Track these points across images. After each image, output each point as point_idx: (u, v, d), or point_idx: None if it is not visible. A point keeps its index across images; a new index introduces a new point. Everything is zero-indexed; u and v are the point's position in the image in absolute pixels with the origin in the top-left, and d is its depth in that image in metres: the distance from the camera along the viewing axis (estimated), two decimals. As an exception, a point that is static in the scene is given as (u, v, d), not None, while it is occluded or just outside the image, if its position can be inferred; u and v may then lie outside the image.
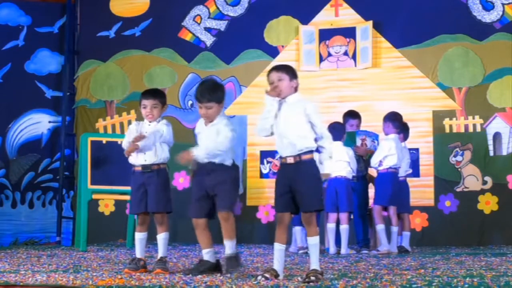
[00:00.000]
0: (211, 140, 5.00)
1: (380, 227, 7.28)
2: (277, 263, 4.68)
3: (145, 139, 5.26)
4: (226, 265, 4.83)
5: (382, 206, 7.39)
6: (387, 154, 7.31)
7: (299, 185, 4.61)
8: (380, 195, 7.40)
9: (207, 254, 5.03)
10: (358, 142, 7.66)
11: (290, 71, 4.75)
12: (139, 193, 5.31)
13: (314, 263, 4.62)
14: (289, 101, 4.72)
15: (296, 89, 4.76)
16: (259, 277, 4.53)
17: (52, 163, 9.86)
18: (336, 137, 7.38)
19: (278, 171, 4.85)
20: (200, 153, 4.98)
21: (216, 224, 5.06)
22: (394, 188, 7.36)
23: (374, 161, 7.41)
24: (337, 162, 7.34)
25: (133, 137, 5.29)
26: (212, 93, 5.01)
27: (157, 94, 5.51)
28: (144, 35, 9.85)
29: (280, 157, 4.76)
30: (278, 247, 4.68)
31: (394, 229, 7.37)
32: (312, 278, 4.47)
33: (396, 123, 7.48)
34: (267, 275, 4.57)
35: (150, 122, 5.42)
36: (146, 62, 9.78)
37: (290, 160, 4.66)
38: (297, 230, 7.43)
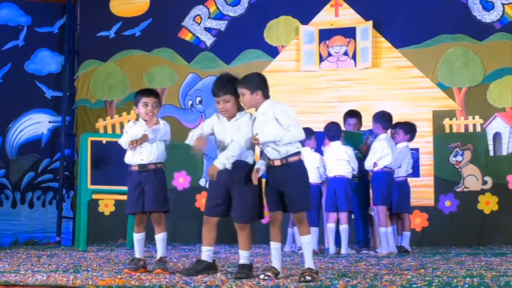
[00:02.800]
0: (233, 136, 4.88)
1: (383, 229, 7.24)
2: (276, 261, 4.82)
3: (146, 138, 5.23)
4: (236, 272, 4.82)
5: (386, 206, 7.34)
6: (381, 155, 7.29)
7: (287, 187, 4.75)
8: (376, 194, 7.38)
9: (206, 252, 5.01)
10: (367, 141, 7.63)
11: (250, 84, 4.82)
12: (136, 193, 5.29)
13: (309, 262, 4.71)
14: (260, 111, 4.83)
15: (265, 98, 4.83)
16: (261, 276, 4.66)
17: (52, 163, 9.86)
18: (333, 138, 7.44)
19: (267, 173, 4.90)
20: (225, 161, 4.81)
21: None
22: (389, 188, 7.32)
23: (368, 163, 7.36)
24: (335, 162, 7.35)
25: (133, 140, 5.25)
26: (228, 85, 4.90)
27: (157, 94, 5.52)
28: (144, 35, 9.84)
29: (268, 159, 4.83)
30: (275, 246, 4.84)
31: (383, 229, 7.29)
32: (308, 277, 4.56)
33: (386, 123, 7.46)
34: (269, 273, 4.70)
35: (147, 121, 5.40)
36: (146, 62, 9.77)
37: (277, 163, 4.77)
38: (296, 230, 7.42)
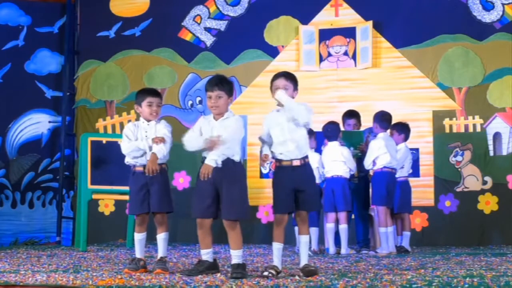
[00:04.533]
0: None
1: (383, 229, 7.23)
2: (278, 260, 4.94)
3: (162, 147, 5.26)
4: (232, 272, 4.84)
5: (386, 207, 7.32)
6: (378, 154, 7.28)
7: (306, 186, 4.95)
8: (375, 195, 7.38)
9: (206, 254, 5.03)
10: (367, 140, 7.64)
11: (295, 81, 5.04)
12: (142, 194, 5.29)
13: (305, 259, 4.97)
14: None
15: (293, 98, 5.04)
16: (266, 273, 4.79)
17: (52, 163, 9.86)
18: (331, 138, 7.44)
19: (278, 173, 4.99)
20: (216, 157, 4.86)
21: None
22: (388, 188, 7.30)
23: (366, 163, 7.37)
24: (333, 162, 7.36)
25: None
26: (223, 82, 5.02)
27: (160, 94, 5.54)
28: (144, 35, 9.85)
29: (280, 160, 4.96)
30: (278, 246, 4.95)
31: (383, 229, 7.29)
32: (312, 268, 4.88)
33: (384, 123, 7.45)
34: (271, 270, 4.82)
35: (149, 122, 5.39)
36: (146, 62, 9.77)
37: (297, 163, 4.94)
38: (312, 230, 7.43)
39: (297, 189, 4.91)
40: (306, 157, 4.99)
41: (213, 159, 4.83)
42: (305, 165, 4.96)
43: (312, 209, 5.01)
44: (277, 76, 5.04)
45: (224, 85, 5.00)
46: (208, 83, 5.04)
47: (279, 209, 4.98)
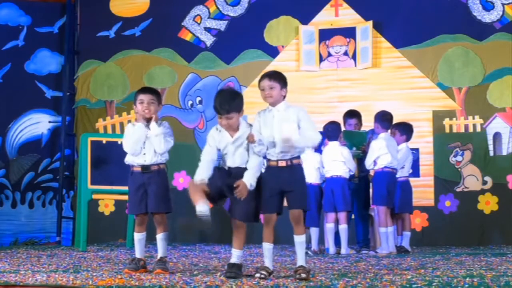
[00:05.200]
0: (243, 154, 4.91)
1: (383, 229, 7.23)
2: (268, 261, 4.91)
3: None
4: (226, 271, 4.83)
5: (386, 207, 7.31)
6: (379, 154, 7.28)
7: (292, 186, 4.84)
8: (376, 195, 7.37)
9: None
10: (370, 140, 7.64)
11: (281, 80, 4.93)
12: (139, 194, 5.29)
13: (301, 260, 4.86)
14: (280, 108, 4.93)
15: (284, 97, 4.95)
16: (258, 274, 4.75)
17: (52, 163, 9.86)
18: (332, 137, 7.44)
19: (266, 173, 4.95)
20: (253, 181, 4.83)
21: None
22: (389, 188, 7.29)
23: (367, 163, 7.38)
24: (332, 162, 7.37)
25: None
26: (231, 103, 4.90)
27: (153, 91, 5.49)
28: (144, 35, 9.85)
29: (269, 160, 4.93)
30: (268, 246, 4.91)
31: (383, 229, 7.29)
32: (303, 275, 4.69)
33: (386, 123, 7.45)
34: (264, 272, 4.79)
35: (148, 122, 5.37)
36: (146, 62, 9.77)
37: (282, 164, 4.87)
38: (313, 230, 7.42)
39: (284, 190, 4.84)
40: (295, 158, 4.88)
41: (250, 183, 4.78)
42: (292, 166, 4.85)
43: (298, 207, 4.83)
44: (261, 77, 4.94)
45: (232, 105, 4.88)
46: (217, 105, 4.90)
47: (263, 208, 4.94)
